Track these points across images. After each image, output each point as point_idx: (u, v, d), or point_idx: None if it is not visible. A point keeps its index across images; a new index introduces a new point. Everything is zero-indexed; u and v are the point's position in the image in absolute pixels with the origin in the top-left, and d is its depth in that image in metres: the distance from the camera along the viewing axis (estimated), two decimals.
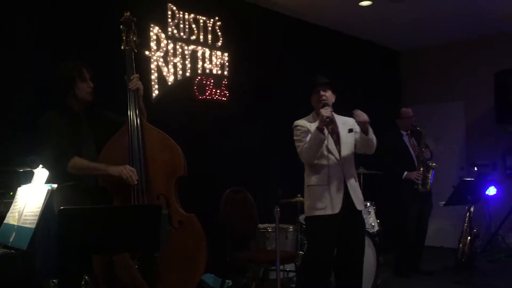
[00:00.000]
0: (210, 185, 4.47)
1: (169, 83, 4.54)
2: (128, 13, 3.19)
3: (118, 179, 2.86)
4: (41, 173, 2.50)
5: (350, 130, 3.45)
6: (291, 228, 4.44)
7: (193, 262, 2.96)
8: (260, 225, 4.31)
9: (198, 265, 2.98)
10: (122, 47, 3.16)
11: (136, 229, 2.30)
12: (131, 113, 3.03)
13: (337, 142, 3.41)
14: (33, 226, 2.24)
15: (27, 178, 2.61)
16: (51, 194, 2.29)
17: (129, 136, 2.99)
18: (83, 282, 2.95)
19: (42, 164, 2.50)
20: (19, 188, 2.63)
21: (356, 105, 3.31)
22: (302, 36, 5.86)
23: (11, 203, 3.02)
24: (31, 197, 2.44)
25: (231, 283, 4.28)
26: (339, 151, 3.39)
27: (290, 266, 4.27)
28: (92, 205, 2.87)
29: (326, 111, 3.23)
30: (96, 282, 2.88)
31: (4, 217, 2.57)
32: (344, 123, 3.49)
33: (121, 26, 3.18)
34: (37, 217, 2.25)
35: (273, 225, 4.22)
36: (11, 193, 3.20)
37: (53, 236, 3.10)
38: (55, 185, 2.32)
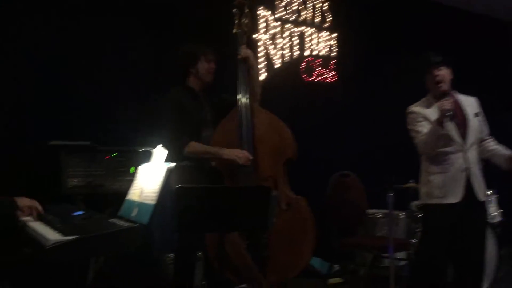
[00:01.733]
0: (318, 169, 4.42)
1: (276, 66, 4.54)
2: None
3: (230, 161, 2.93)
4: (160, 152, 2.65)
5: (476, 115, 3.18)
6: (401, 214, 4.26)
7: (301, 245, 2.95)
8: (369, 211, 4.19)
9: (306, 248, 2.96)
10: (234, 31, 3.19)
11: (246, 209, 2.36)
12: (240, 96, 3.07)
13: (462, 125, 3.13)
14: (153, 202, 2.35)
15: (147, 157, 2.77)
16: (169, 172, 2.40)
17: (239, 119, 3.04)
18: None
19: (161, 144, 2.63)
20: (139, 167, 2.79)
21: (463, 83, 3.04)
22: (411, 12, 5.52)
23: (131, 180, 3.24)
24: (151, 175, 2.56)
25: (338, 267, 4.22)
26: (464, 137, 3.12)
27: (401, 254, 4.10)
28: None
29: (447, 104, 2.97)
30: (208, 258, 2.99)
31: (125, 194, 2.74)
32: (470, 104, 3.22)
33: (233, 10, 3.21)
34: (157, 194, 2.37)
35: (383, 210, 4.09)
36: (132, 170, 3.43)
37: (168, 213, 3.26)
38: (173, 164, 2.42)
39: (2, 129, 3.41)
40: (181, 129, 3.01)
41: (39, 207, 2.36)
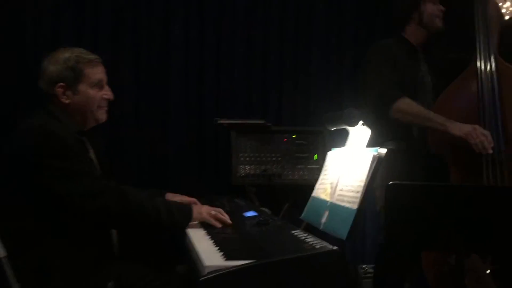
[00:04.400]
0: None
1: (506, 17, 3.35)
2: None
3: (462, 143, 1.97)
4: (359, 133, 1.85)
5: None
6: None
7: None
8: None
9: None
10: None
11: (501, 222, 1.51)
12: (480, 46, 2.10)
13: None
14: (355, 206, 1.56)
15: (339, 139, 2.01)
16: (378, 162, 1.59)
17: (478, 83, 2.07)
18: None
19: (362, 120, 1.81)
20: (328, 153, 2.02)
21: None
22: None
23: (316, 169, 2.52)
24: (348, 165, 1.77)
25: None
26: None
27: None
28: (426, 179, 2.11)
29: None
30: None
31: (309, 186, 2.01)
32: None
33: None
34: (359, 194, 1.58)
35: None
36: (316, 157, 2.71)
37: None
38: (383, 150, 1.59)
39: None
40: (388, 85, 2.16)
41: (226, 216, 1.74)
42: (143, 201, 1.62)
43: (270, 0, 3.04)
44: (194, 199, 1.97)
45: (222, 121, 2.66)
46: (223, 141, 2.85)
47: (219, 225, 1.68)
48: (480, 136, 1.95)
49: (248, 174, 2.65)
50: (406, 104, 2.11)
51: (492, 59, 2.09)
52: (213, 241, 1.46)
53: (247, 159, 2.65)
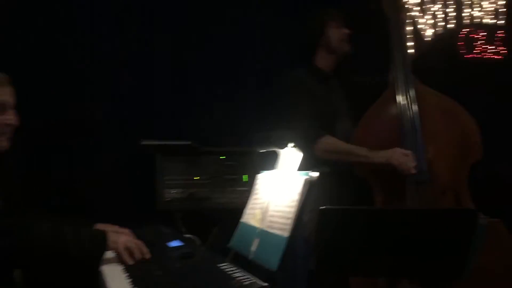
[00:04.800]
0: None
1: (427, 39, 3.49)
2: None
3: (386, 167, 1.97)
4: (290, 156, 1.77)
5: None
6: None
7: None
8: None
9: None
10: None
11: (431, 245, 1.49)
12: (397, 70, 2.12)
13: None
14: (286, 234, 1.47)
15: (269, 161, 1.92)
16: (310, 186, 1.51)
17: (398, 105, 2.08)
18: None
19: (294, 142, 1.73)
20: (258, 175, 1.92)
21: None
22: None
23: (246, 191, 2.42)
24: (279, 189, 1.68)
25: None
26: None
27: None
28: (355, 203, 2.09)
29: None
30: None
31: (239, 209, 1.90)
32: None
33: None
34: (290, 221, 1.48)
35: None
36: (245, 179, 2.61)
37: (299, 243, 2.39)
38: (315, 174, 1.52)
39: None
40: (310, 121, 2.14)
41: (145, 250, 1.56)
42: (47, 232, 1.43)
43: None
44: (126, 230, 1.79)
45: (146, 142, 2.50)
46: (148, 164, 2.68)
47: (131, 261, 1.51)
48: (401, 156, 1.96)
49: (174, 198, 2.50)
50: (327, 144, 2.11)
51: (411, 82, 2.11)
52: (130, 280, 1.30)
53: (173, 182, 2.51)
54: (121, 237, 1.57)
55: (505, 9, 3.69)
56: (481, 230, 1.52)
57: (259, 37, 3.09)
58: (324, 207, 1.49)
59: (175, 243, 1.76)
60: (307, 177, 1.54)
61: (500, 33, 3.69)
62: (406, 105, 2.10)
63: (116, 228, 1.78)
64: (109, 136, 2.74)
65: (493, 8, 3.67)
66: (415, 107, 2.08)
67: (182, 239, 1.83)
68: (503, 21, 3.70)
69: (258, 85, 3.04)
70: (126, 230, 1.77)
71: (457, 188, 2.06)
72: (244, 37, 3.04)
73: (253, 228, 1.74)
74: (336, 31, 2.30)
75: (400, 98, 2.11)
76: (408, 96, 2.11)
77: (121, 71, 2.81)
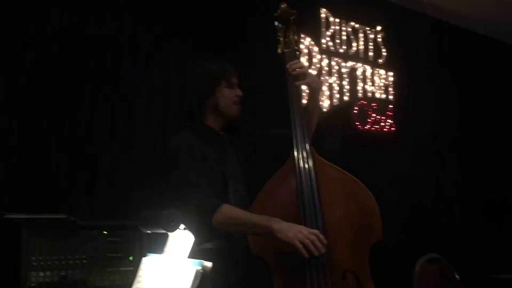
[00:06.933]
0: (396, 252, 3.27)
1: (324, 110, 3.55)
2: (285, 5, 2.23)
3: (285, 246, 1.79)
4: (180, 239, 1.53)
5: None
6: None
7: None
8: None
9: None
10: (279, 51, 2.20)
11: None
12: (297, 140, 2.01)
13: None
14: None
15: (157, 242, 1.67)
16: (201, 278, 1.28)
17: (297, 178, 1.94)
18: None
19: (183, 223, 1.51)
20: (144, 259, 1.66)
21: None
22: (487, 52, 4.60)
23: (131, 271, 2.16)
24: (166, 279, 1.44)
25: None
26: None
27: None
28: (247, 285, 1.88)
29: None
30: None
31: None
32: None
33: (275, 23, 2.21)
34: None
35: None
36: (131, 258, 2.31)
37: None
38: (208, 264, 1.30)
39: None
40: (205, 190, 1.93)
41: None
42: None
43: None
44: None
45: (11, 216, 2.12)
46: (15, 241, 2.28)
47: None
48: (309, 235, 1.79)
49: (41, 283, 2.11)
50: (225, 214, 1.89)
51: (309, 154, 2.00)
52: None
53: (42, 263, 2.13)
54: None
55: (394, 85, 3.91)
56: None
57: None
58: None
59: None
60: (199, 267, 1.32)
61: (390, 107, 3.88)
62: (306, 177, 1.97)
63: None
64: None
65: (383, 83, 3.87)
66: (314, 181, 1.96)
67: None
68: (391, 96, 3.90)
69: (156, 149, 2.80)
70: None
71: (358, 271, 1.93)
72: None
73: None
74: (228, 92, 2.09)
75: (300, 171, 1.98)
76: (308, 168, 1.99)
77: None
